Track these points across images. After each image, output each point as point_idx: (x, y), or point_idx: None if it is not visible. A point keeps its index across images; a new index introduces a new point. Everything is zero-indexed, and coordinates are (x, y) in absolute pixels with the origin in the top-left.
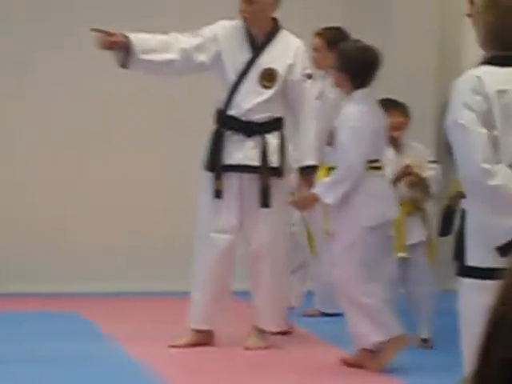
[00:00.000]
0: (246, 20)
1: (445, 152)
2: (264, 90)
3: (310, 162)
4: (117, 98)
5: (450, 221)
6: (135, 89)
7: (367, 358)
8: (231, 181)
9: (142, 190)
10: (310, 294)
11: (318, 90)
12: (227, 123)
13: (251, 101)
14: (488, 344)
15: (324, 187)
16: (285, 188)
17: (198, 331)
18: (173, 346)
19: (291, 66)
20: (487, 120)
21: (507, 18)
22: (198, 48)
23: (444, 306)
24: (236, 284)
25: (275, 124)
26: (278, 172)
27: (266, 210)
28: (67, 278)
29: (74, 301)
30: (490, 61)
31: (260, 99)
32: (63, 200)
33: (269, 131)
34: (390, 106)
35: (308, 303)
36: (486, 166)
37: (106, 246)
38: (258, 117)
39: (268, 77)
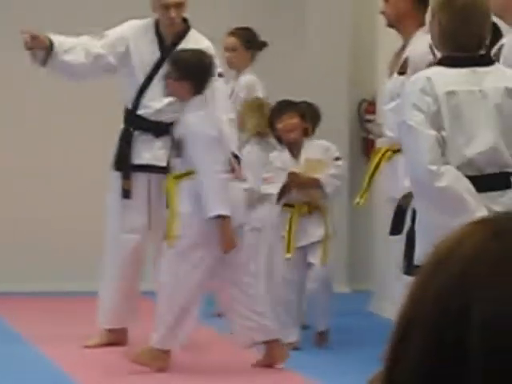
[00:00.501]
0: (173, 24)
1: (359, 149)
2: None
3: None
4: (30, 99)
5: (401, 220)
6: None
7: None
8: (139, 181)
9: (49, 189)
10: None
11: (231, 89)
12: (136, 123)
13: (160, 101)
14: (397, 348)
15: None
16: None
17: (110, 330)
18: (86, 347)
19: None
20: (436, 121)
21: (460, 19)
22: (105, 49)
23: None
24: (148, 284)
25: None
26: None
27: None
28: None
29: None
30: (443, 61)
31: (168, 100)
32: None
33: None
34: (283, 107)
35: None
36: (433, 167)
37: (12, 246)
38: (167, 117)
39: None
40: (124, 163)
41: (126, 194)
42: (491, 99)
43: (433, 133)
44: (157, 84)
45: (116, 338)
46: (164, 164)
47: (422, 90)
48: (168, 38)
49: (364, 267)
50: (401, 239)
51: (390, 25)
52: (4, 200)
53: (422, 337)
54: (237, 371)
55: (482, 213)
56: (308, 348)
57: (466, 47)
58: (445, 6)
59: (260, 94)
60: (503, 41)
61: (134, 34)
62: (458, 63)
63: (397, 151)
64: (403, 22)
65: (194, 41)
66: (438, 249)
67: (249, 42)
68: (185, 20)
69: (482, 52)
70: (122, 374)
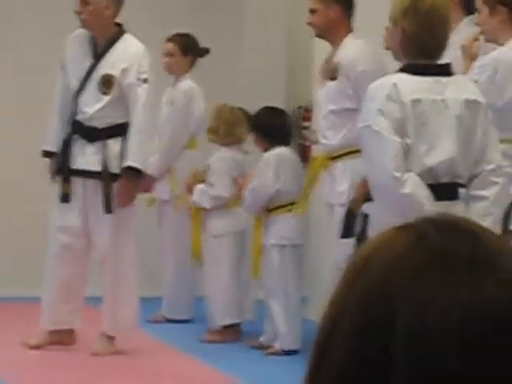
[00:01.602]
0: (83, 22)
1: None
2: (103, 97)
3: (131, 163)
4: None
5: (352, 224)
6: None
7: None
8: (76, 185)
9: None
10: (158, 300)
11: (169, 95)
12: (74, 128)
13: (92, 107)
14: (321, 351)
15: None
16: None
17: (53, 332)
18: (31, 347)
19: (124, 71)
20: (401, 128)
21: (424, 25)
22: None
23: None
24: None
25: (117, 130)
26: (119, 178)
27: (108, 216)
28: None
29: None
30: (406, 69)
31: (99, 105)
32: None
33: (111, 137)
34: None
35: (155, 309)
36: (398, 174)
37: None
38: (99, 122)
39: (106, 83)
40: (63, 167)
41: (65, 197)
42: (452, 110)
43: (398, 139)
44: (90, 89)
45: (59, 338)
46: (97, 169)
47: (387, 97)
48: (101, 44)
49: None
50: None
51: (319, 35)
52: None
53: (346, 341)
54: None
55: None
56: None
57: (429, 54)
58: (408, 12)
59: (199, 100)
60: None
61: (71, 43)
62: (422, 71)
63: (334, 158)
64: (333, 31)
65: (126, 45)
66: (361, 252)
67: (187, 48)
68: (119, 25)
69: (445, 61)
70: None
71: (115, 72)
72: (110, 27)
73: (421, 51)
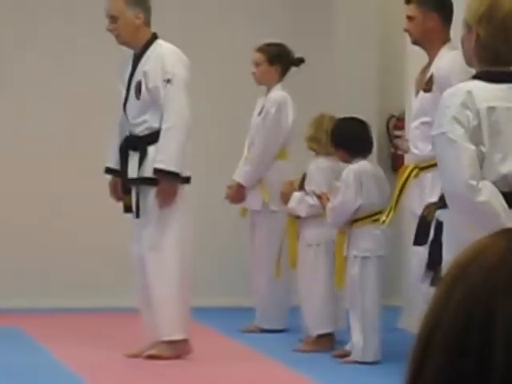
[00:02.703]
0: (118, 39)
1: (388, 164)
2: (138, 102)
3: (158, 165)
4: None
5: (426, 231)
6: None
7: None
8: (132, 194)
9: (78, 209)
10: (251, 310)
11: (260, 105)
12: (126, 139)
13: (132, 114)
14: (419, 358)
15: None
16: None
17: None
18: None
19: (146, 74)
20: (476, 136)
21: (500, 33)
22: None
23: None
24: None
25: (155, 135)
26: (155, 182)
27: (152, 218)
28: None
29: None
30: (481, 76)
31: (136, 112)
32: None
33: (150, 143)
34: None
35: (248, 319)
36: (473, 182)
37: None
38: (139, 130)
39: (138, 88)
40: (123, 178)
41: (126, 209)
42: None
43: (473, 147)
44: (131, 99)
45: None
46: (135, 176)
47: (462, 104)
48: (137, 53)
49: (394, 283)
50: (421, 251)
51: (415, 42)
52: (27, 212)
53: (446, 345)
54: None
55: None
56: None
57: (504, 61)
58: (484, 18)
59: (290, 110)
60: None
61: (121, 64)
62: (497, 78)
63: (423, 168)
64: (429, 40)
65: (155, 50)
66: (459, 259)
67: (274, 58)
68: (153, 34)
69: None
70: None
71: (141, 77)
72: (144, 36)
73: (496, 58)
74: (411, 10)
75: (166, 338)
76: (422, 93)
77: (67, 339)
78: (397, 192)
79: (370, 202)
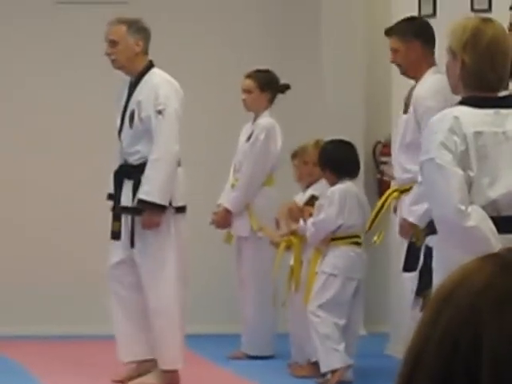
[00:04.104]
0: (114, 63)
1: (375, 190)
2: (131, 131)
3: (141, 195)
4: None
5: (415, 257)
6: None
7: None
8: (124, 222)
9: (60, 234)
10: (237, 336)
11: (248, 131)
12: (120, 166)
13: (126, 143)
14: (407, 382)
15: None
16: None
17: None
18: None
19: (139, 103)
20: (464, 161)
21: (485, 58)
22: None
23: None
24: None
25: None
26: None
27: (144, 247)
28: None
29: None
30: (467, 101)
31: (130, 140)
32: None
33: (144, 172)
34: None
35: (234, 345)
36: (463, 207)
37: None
38: (133, 159)
39: (131, 117)
40: (114, 205)
41: (114, 235)
42: None
43: (461, 172)
44: (125, 127)
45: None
46: (128, 204)
47: (450, 130)
48: (132, 80)
49: (380, 309)
50: (412, 278)
51: (404, 73)
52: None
53: (432, 371)
54: None
55: None
56: None
57: (490, 87)
58: (469, 45)
59: (278, 136)
60: None
61: (117, 92)
62: (483, 104)
63: (404, 191)
64: (415, 68)
65: (150, 79)
66: (446, 283)
67: (265, 85)
68: (150, 61)
69: (505, 93)
70: None
71: (134, 106)
72: (141, 63)
73: (481, 84)
74: (393, 42)
75: (167, 368)
76: (402, 115)
77: (51, 366)
78: (374, 213)
79: (350, 224)
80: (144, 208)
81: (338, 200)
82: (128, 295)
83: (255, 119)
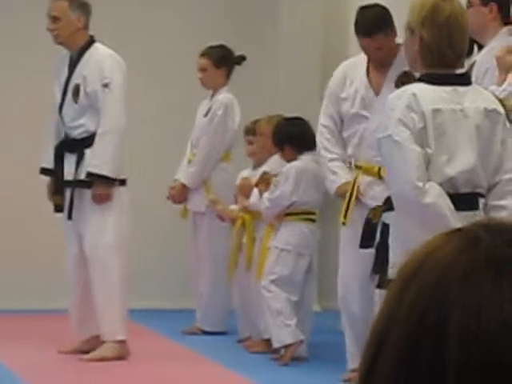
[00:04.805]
0: (56, 38)
1: None
2: (75, 106)
3: (97, 170)
4: None
5: (372, 234)
6: None
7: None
8: (66, 195)
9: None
10: (191, 311)
11: (206, 107)
12: (62, 141)
13: (69, 117)
14: (372, 360)
15: None
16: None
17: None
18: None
19: (85, 78)
20: (421, 138)
21: (443, 35)
22: None
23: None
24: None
25: (93, 138)
26: (91, 184)
27: (88, 219)
28: None
29: None
30: (425, 78)
31: (73, 115)
32: None
33: (87, 146)
34: None
35: (190, 321)
36: (420, 184)
37: None
38: (76, 133)
39: (76, 92)
40: (55, 180)
41: (57, 208)
42: (471, 119)
43: (419, 149)
44: (67, 101)
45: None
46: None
47: (408, 106)
48: (73, 56)
49: (335, 285)
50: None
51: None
52: None
53: (398, 347)
54: None
55: None
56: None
57: (448, 63)
58: (427, 21)
59: (237, 112)
60: (475, 58)
61: (54, 66)
62: (441, 81)
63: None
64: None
65: (93, 54)
66: (411, 259)
67: (220, 60)
68: (91, 37)
69: (463, 70)
70: None
71: (80, 80)
72: (82, 39)
73: (440, 61)
74: (378, 41)
75: (110, 338)
76: None
77: (2, 340)
78: (345, 205)
79: (305, 200)
80: (94, 181)
81: (294, 176)
82: (77, 269)
83: (213, 95)
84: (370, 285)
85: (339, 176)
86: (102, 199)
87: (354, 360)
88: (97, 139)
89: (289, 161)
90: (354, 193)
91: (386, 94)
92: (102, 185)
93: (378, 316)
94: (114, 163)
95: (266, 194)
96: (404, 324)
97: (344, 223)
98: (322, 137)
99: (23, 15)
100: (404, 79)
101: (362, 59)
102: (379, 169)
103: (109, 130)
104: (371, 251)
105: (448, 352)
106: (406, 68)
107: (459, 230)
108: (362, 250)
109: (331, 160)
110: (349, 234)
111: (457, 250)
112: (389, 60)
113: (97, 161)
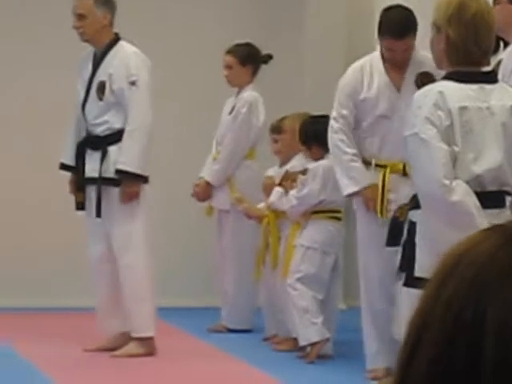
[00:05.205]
0: (82, 36)
1: None
2: (100, 103)
3: (126, 167)
4: None
5: (399, 231)
6: None
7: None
8: (89, 193)
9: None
10: (217, 310)
11: (231, 105)
12: (85, 138)
13: (93, 114)
14: (408, 359)
15: None
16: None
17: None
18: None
19: (111, 75)
20: (448, 136)
21: (470, 33)
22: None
23: (350, 323)
24: None
25: (117, 136)
26: (118, 182)
27: (105, 220)
28: None
29: None
30: (452, 76)
31: (97, 112)
32: None
33: (111, 143)
34: None
35: (215, 319)
36: (447, 181)
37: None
38: (100, 130)
39: (100, 89)
40: (78, 177)
41: (79, 206)
42: (498, 117)
43: (446, 147)
44: (91, 98)
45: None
46: (96, 175)
47: (435, 104)
48: (99, 54)
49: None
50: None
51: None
52: None
53: (434, 345)
54: None
55: None
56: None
57: (475, 61)
58: (453, 19)
59: (261, 110)
60: (501, 56)
61: (79, 63)
62: (468, 78)
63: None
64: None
65: (119, 51)
66: (448, 256)
67: (246, 58)
68: (116, 34)
69: (489, 68)
70: None
71: (106, 77)
72: (107, 36)
73: (466, 59)
74: (407, 42)
75: (138, 335)
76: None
77: (28, 338)
78: (379, 198)
79: (332, 199)
80: (124, 179)
81: (321, 175)
82: (104, 267)
83: (238, 93)
84: (392, 282)
85: (357, 181)
86: (130, 197)
87: (373, 360)
88: (125, 136)
89: (316, 159)
90: (386, 187)
91: (406, 94)
92: (130, 182)
93: (414, 314)
94: (142, 160)
95: (292, 192)
96: (441, 321)
97: (382, 215)
98: (336, 135)
99: (32, 11)
100: (424, 79)
101: (377, 59)
102: (404, 165)
103: (136, 128)
104: (393, 249)
105: (485, 349)
106: (424, 68)
107: (499, 226)
108: (388, 248)
109: (350, 161)
110: (370, 231)
111: (495, 246)
112: (406, 60)
113: (125, 158)
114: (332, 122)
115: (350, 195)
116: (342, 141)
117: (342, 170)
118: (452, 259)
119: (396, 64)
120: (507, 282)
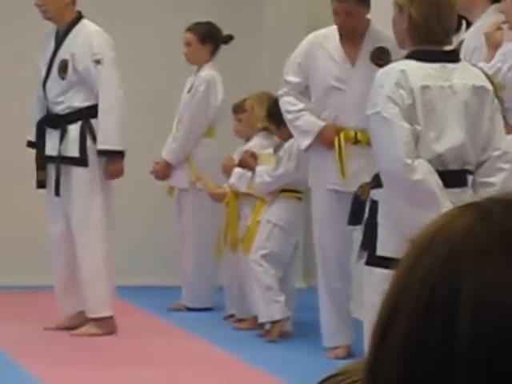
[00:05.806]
0: (45, 13)
1: None
2: (62, 82)
3: (106, 146)
4: None
5: (360, 210)
6: None
7: None
8: (49, 171)
9: None
10: (176, 288)
11: (190, 83)
12: (45, 116)
13: (54, 93)
14: (382, 336)
15: None
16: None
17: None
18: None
19: (73, 55)
20: (410, 115)
21: (432, 11)
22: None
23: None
24: None
25: (77, 114)
26: (78, 161)
27: (63, 199)
28: None
29: None
30: (413, 55)
31: (58, 90)
32: None
33: (71, 122)
34: None
35: (176, 298)
36: (409, 160)
37: None
38: (60, 108)
39: (63, 68)
40: (37, 155)
41: (39, 184)
42: (460, 96)
43: (408, 126)
44: (53, 76)
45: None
46: (54, 154)
47: (397, 83)
48: (60, 31)
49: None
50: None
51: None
52: None
53: (409, 321)
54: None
55: (448, 208)
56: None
57: (436, 40)
58: None
59: (220, 89)
60: (464, 35)
61: (42, 41)
62: (430, 57)
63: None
64: None
65: (82, 30)
66: (423, 233)
67: (205, 37)
68: (78, 12)
69: (451, 47)
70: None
71: (68, 56)
72: (70, 14)
73: (428, 38)
74: (349, 4)
75: (94, 315)
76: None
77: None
78: (338, 162)
79: (302, 179)
80: (107, 157)
81: (296, 154)
82: (62, 247)
83: (197, 72)
84: (348, 260)
85: (309, 132)
86: (116, 174)
87: (331, 338)
88: (100, 116)
89: (285, 139)
90: (343, 150)
91: (361, 67)
92: (112, 160)
93: (388, 290)
94: (120, 136)
95: (263, 168)
96: (416, 297)
97: (344, 176)
98: (281, 99)
99: None
100: (381, 54)
101: (334, 32)
102: (355, 133)
103: (109, 105)
104: (349, 227)
105: (460, 324)
106: (381, 43)
107: (473, 203)
108: (344, 226)
109: (298, 117)
110: (325, 208)
111: (469, 223)
112: (360, 33)
113: (104, 137)
114: (279, 91)
115: (309, 147)
116: (289, 102)
117: (294, 130)
118: (427, 235)
119: (350, 36)
120: (482, 258)
